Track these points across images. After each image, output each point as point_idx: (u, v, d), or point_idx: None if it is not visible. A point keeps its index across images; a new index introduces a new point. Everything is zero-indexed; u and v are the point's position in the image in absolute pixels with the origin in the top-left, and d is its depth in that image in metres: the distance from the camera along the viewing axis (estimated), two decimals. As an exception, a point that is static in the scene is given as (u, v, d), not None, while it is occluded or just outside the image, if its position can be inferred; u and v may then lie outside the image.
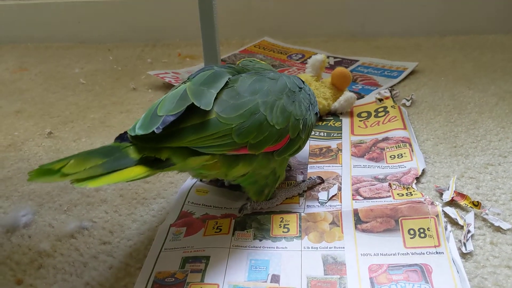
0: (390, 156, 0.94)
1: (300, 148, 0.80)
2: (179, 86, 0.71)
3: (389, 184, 0.83)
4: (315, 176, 0.88)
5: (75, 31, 1.92)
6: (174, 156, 0.66)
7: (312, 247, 0.71)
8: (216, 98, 0.68)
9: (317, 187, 0.86)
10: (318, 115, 0.86)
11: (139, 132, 0.63)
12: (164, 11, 1.83)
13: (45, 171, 0.57)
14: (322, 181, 0.88)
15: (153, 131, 0.63)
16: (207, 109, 0.66)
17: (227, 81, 0.71)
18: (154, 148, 0.64)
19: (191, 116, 0.66)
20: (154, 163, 0.64)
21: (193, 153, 0.67)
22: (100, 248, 0.76)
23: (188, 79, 0.74)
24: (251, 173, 0.76)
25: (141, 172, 0.62)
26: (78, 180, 0.57)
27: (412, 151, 0.94)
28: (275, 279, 0.66)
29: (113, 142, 0.67)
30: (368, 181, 0.86)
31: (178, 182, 0.93)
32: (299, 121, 0.76)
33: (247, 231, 0.75)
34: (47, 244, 0.77)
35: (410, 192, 0.80)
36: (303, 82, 0.84)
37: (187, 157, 0.67)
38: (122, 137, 0.67)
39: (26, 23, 1.94)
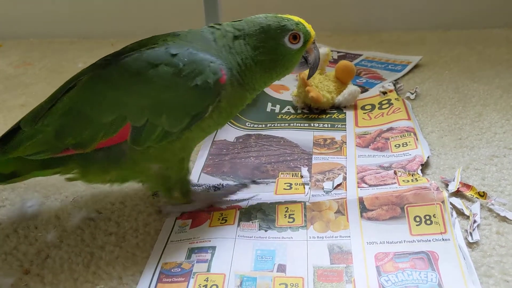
0: (395, 145, 0.94)
1: (168, 133, 0.70)
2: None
3: (394, 172, 0.84)
4: (248, 181, 0.85)
5: (78, 26, 1.92)
6: (23, 168, 0.74)
7: (317, 237, 0.72)
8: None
9: (321, 177, 0.86)
10: (213, 81, 0.70)
11: None
12: (167, 6, 1.83)
13: None
14: (255, 183, 0.85)
15: None
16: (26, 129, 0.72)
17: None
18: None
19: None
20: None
21: (44, 167, 0.73)
22: (106, 239, 0.77)
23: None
24: (130, 176, 0.76)
25: None
26: None
27: (417, 139, 0.94)
28: (281, 268, 0.67)
29: None
30: (373, 169, 0.86)
31: (183, 174, 0.94)
32: (144, 105, 0.69)
33: (252, 222, 0.76)
34: (54, 235, 0.78)
35: (416, 178, 0.81)
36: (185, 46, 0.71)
37: (36, 170, 0.74)
38: None
39: (30, 18, 1.94)
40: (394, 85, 1.20)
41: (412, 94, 1.19)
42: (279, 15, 0.75)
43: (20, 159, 0.72)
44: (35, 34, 1.94)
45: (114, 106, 0.70)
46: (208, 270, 0.67)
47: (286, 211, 0.77)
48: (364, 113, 1.10)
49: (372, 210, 0.74)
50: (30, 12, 1.93)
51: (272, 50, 0.73)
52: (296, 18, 0.75)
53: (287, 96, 1.21)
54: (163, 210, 0.80)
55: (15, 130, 0.73)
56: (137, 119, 0.69)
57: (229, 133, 1.05)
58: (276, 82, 1.31)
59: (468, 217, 0.74)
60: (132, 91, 0.70)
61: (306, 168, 0.90)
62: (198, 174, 0.93)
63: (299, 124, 1.07)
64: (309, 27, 0.75)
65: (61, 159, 0.73)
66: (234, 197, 0.83)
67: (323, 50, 1.19)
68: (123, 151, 0.71)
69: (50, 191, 0.89)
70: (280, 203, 0.79)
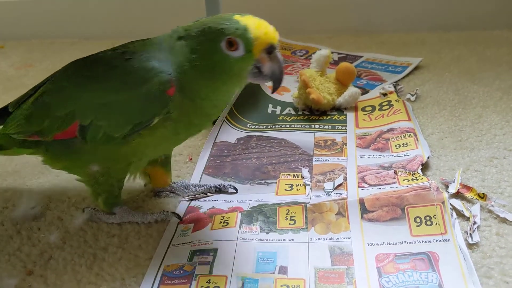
0: (395, 146, 0.94)
1: (111, 137, 0.70)
2: None
3: (395, 171, 0.84)
4: (170, 212, 0.81)
5: (79, 27, 1.92)
6: (8, 143, 0.81)
7: (318, 239, 0.72)
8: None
9: (322, 178, 0.87)
10: (158, 91, 0.67)
11: None
12: (168, 6, 1.83)
13: None
14: (180, 219, 0.80)
15: None
16: (11, 110, 0.81)
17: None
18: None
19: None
20: None
21: (22, 145, 0.80)
22: (109, 241, 0.77)
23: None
24: (73, 170, 0.79)
25: None
26: None
27: (417, 140, 0.95)
28: (283, 270, 0.67)
29: None
30: (374, 169, 0.87)
31: (185, 176, 0.94)
32: (93, 105, 0.70)
33: (253, 225, 0.76)
34: (57, 236, 0.78)
35: (416, 178, 0.81)
36: (136, 54, 0.70)
37: (16, 147, 0.81)
38: None
39: (30, 19, 1.95)
40: (395, 86, 1.21)
41: (413, 95, 1.19)
42: (232, 15, 0.66)
43: (6, 135, 0.79)
44: (36, 35, 1.95)
45: (67, 102, 0.73)
46: (210, 272, 0.67)
47: (287, 213, 0.77)
48: (364, 114, 1.11)
49: (373, 211, 0.74)
50: (31, 13, 1.93)
51: (208, 55, 0.66)
52: (246, 21, 0.65)
53: (287, 97, 1.21)
54: (85, 211, 0.82)
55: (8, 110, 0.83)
56: (84, 118, 0.71)
57: (230, 134, 1.06)
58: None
59: (468, 219, 0.74)
60: (82, 90, 0.72)
61: (307, 169, 0.90)
62: (200, 175, 0.93)
63: (300, 126, 1.08)
64: (262, 32, 0.64)
65: (34, 141, 0.77)
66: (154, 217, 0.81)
67: (324, 52, 1.19)
68: (76, 145, 0.73)
69: (52, 193, 0.90)
70: (281, 205, 0.79)
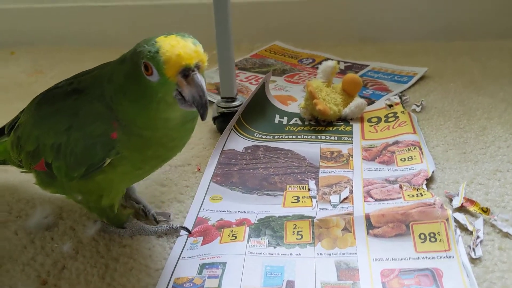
0: (401, 159, 0.96)
1: (71, 176, 0.72)
2: None
3: (400, 186, 0.86)
4: (178, 225, 0.82)
5: (88, 35, 1.94)
6: (11, 160, 0.86)
7: (325, 254, 0.74)
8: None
9: (328, 191, 0.89)
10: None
11: None
12: (175, 16, 1.85)
13: None
14: (189, 232, 0.81)
15: None
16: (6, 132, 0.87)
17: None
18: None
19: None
20: None
21: (19, 165, 0.84)
22: (121, 251, 0.79)
23: None
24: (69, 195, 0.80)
25: None
26: None
27: (422, 154, 0.96)
28: (290, 285, 0.69)
29: None
30: (379, 183, 0.89)
31: (193, 186, 0.96)
32: (53, 146, 0.71)
33: (261, 239, 0.78)
34: (70, 246, 0.80)
35: (421, 193, 0.83)
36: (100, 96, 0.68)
37: (13, 164, 0.86)
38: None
39: (41, 26, 1.97)
40: (400, 97, 1.22)
41: (418, 106, 1.20)
42: (156, 37, 0.62)
43: (8, 152, 0.84)
44: (46, 42, 1.97)
45: (31, 139, 0.76)
46: (219, 285, 0.69)
47: (294, 228, 0.79)
48: (370, 125, 1.12)
49: (378, 227, 0.76)
50: (41, 19, 1.95)
51: (134, 80, 0.62)
52: (162, 42, 0.60)
53: (294, 107, 1.23)
54: (95, 223, 0.84)
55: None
56: (46, 156, 0.74)
57: (238, 143, 1.08)
58: (284, 93, 1.36)
59: (471, 232, 0.76)
60: (40, 129, 0.74)
61: (313, 181, 0.92)
62: (208, 183, 0.95)
63: (306, 136, 1.10)
64: (174, 54, 0.59)
65: None
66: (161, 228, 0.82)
67: (330, 63, 1.21)
68: (53, 176, 0.75)
69: (64, 203, 0.92)
70: (288, 219, 0.81)
